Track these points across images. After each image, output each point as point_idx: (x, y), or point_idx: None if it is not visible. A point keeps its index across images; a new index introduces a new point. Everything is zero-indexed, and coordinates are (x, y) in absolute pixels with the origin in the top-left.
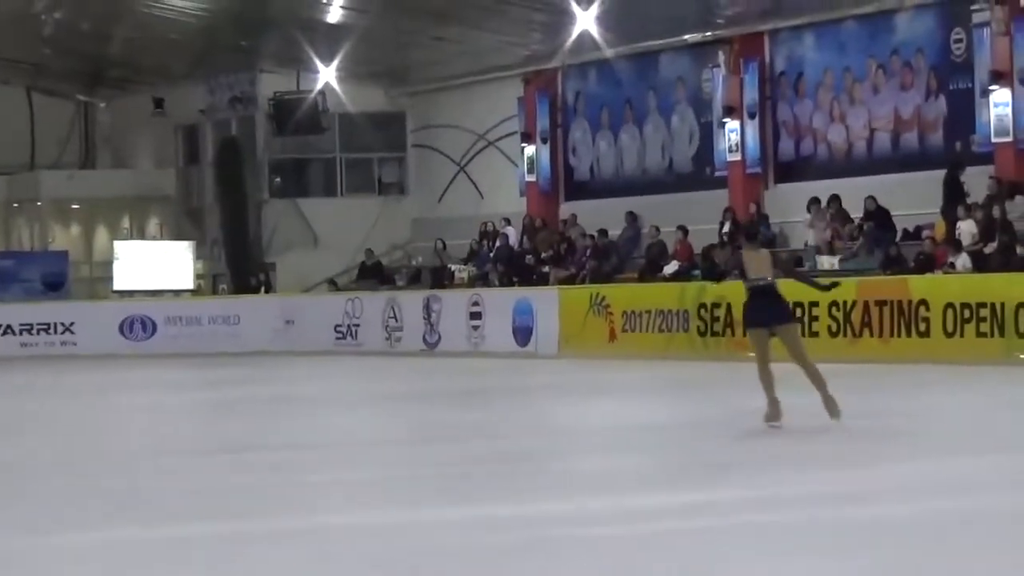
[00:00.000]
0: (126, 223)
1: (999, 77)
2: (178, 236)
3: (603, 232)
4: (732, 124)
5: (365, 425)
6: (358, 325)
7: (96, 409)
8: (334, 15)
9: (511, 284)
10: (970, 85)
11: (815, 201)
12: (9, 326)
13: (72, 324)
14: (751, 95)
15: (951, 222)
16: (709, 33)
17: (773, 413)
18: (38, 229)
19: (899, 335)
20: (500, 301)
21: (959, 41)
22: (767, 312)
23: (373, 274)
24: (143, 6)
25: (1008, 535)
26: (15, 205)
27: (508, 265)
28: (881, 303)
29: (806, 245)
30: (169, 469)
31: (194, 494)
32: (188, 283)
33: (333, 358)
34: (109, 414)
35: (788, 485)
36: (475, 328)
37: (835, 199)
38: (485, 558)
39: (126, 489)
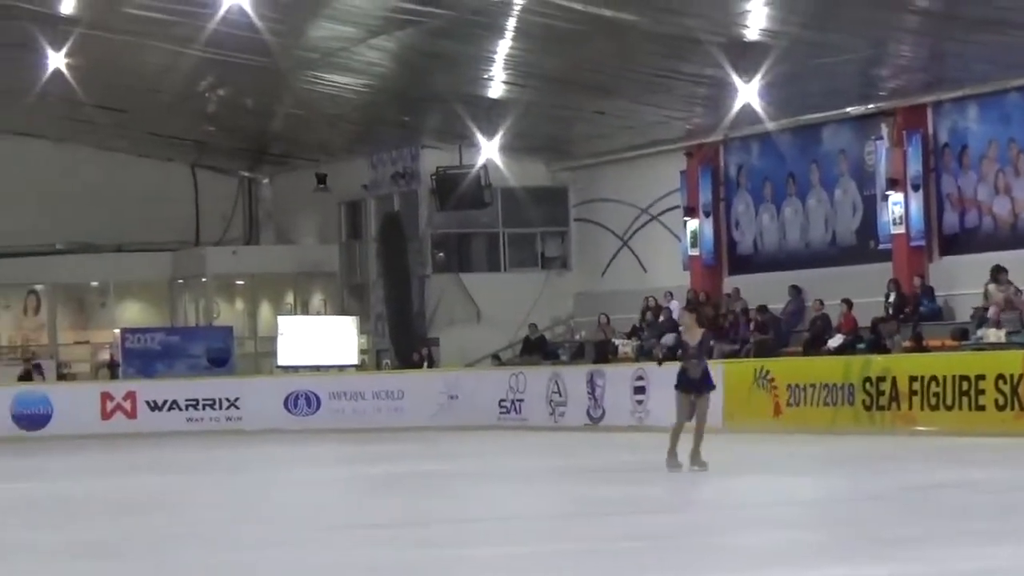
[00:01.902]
0: (290, 298)
1: None
2: (342, 311)
3: (763, 307)
4: (896, 196)
5: (529, 500)
6: (522, 400)
7: (258, 484)
8: (496, 90)
9: (674, 359)
10: None
11: (1000, 270)
12: (175, 401)
13: (237, 399)
14: (914, 167)
15: None
16: (871, 105)
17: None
18: (203, 305)
19: None
20: (664, 375)
21: None
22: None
23: (536, 349)
24: (305, 83)
25: None
26: (180, 281)
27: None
28: None
29: (971, 317)
30: (332, 544)
31: (354, 568)
32: (352, 359)
33: (497, 433)
34: (272, 489)
35: (963, 560)
36: (639, 403)
37: (1001, 271)
38: None
39: (291, 561)
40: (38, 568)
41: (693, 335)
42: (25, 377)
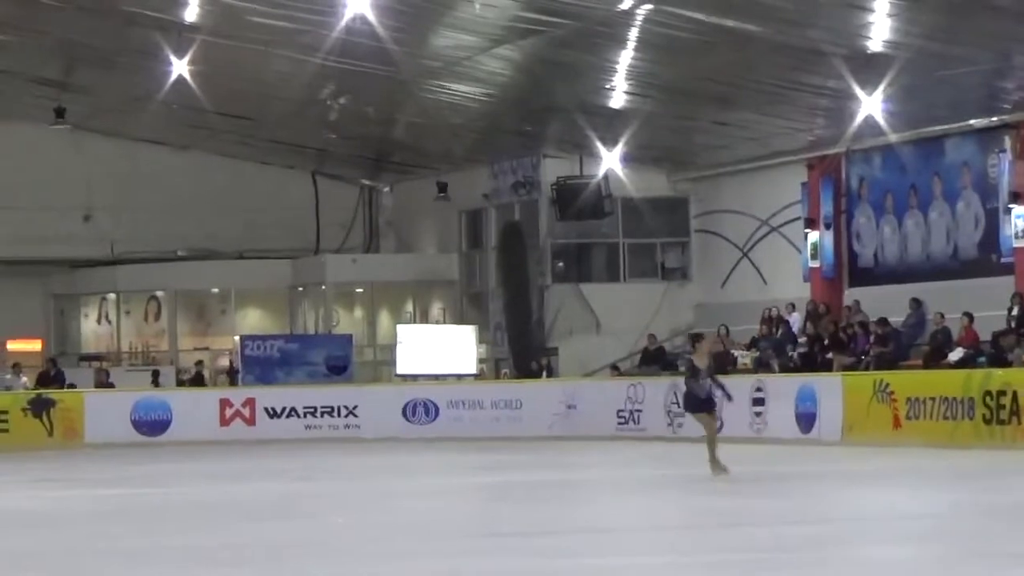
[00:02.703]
0: (409, 307)
1: None
2: (461, 320)
3: (883, 320)
4: (1019, 210)
5: (646, 510)
6: (640, 410)
7: (379, 493)
8: (617, 100)
9: (794, 371)
10: None
11: None
12: (293, 408)
13: (355, 407)
14: None
15: None
16: (995, 118)
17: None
18: (322, 312)
19: None
20: (783, 387)
21: None
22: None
23: (655, 359)
24: (426, 92)
25: None
26: (300, 289)
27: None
28: None
29: None
30: (458, 553)
31: None
32: (471, 367)
33: (615, 443)
34: (393, 498)
35: None
36: (757, 414)
37: None
38: None
39: (418, 571)
40: (163, 574)
41: (702, 360)
42: (196, 381)
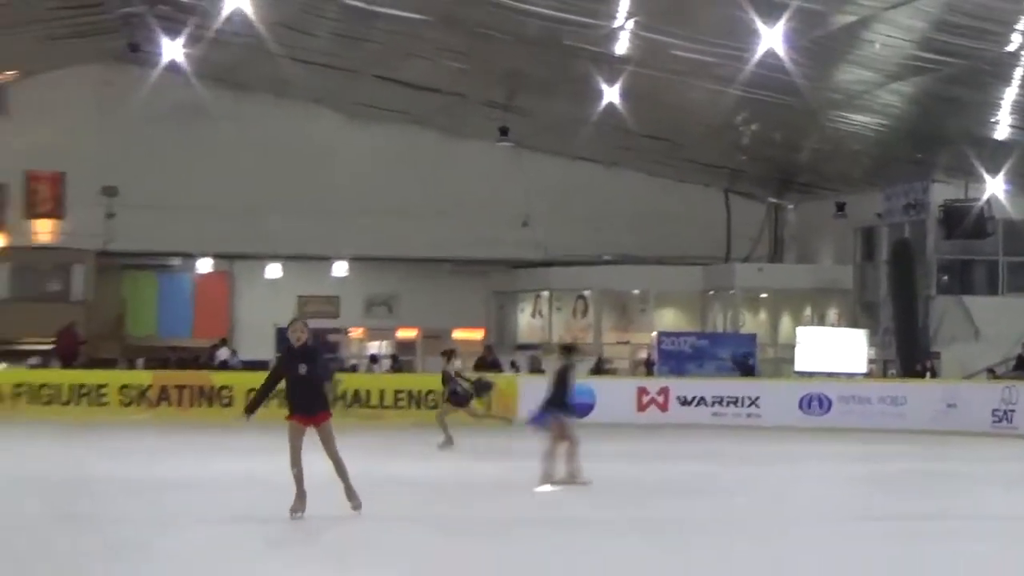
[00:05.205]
0: (808, 312)
1: None
2: (853, 325)
3: None
4: None
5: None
6: (1014, 410)
7: (773, 477)
8: (1001, 132)
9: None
10: None
11: None
12: (703, 398)
13: (757, 398)
14: None
15: None
16: None
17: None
18: (730, 314)
19: None
20: None
21: None
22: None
23: None
24: (829, 121)
25: None
26: (711, 293)
27: None
28: None
29: None
30: (840, 535)
31: (841, 561)
32: (861, 367)
33: (990, 439)
34: (784, 482)
35: None
36: None
37: None
38: None
39: (819, 553)
40: (601, 541)
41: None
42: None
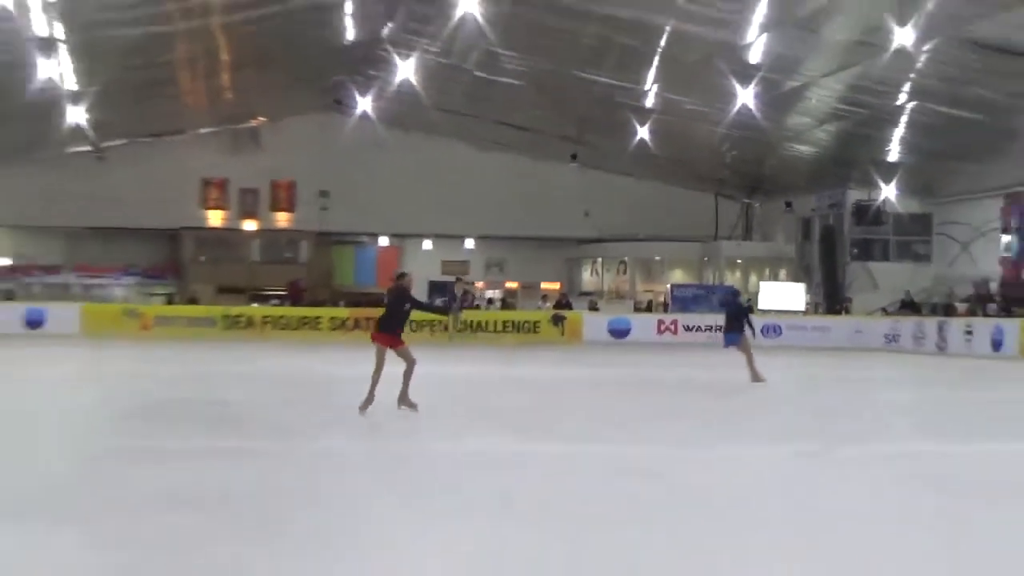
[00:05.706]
0: (767, 272)
1: None
2: (796, 280)
3: None
4: None
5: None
6: (899, 335)
7: (739, 378)
8: (893, 156)
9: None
10: None
11: None
12: (699, 326)
13: None
14: None
15: None
16: None
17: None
18: (717, 274)
19: None
20: None
21: None
22: None
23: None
24: (783, 148)
25: None
26: (706, 259)
27: None
28: None
29: None
30: None
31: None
32: (801, 307)
33: (883, 354)
34: (745, 381)
35: None
36: None
37: None
38: None
39: None
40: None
41: None
42: None
